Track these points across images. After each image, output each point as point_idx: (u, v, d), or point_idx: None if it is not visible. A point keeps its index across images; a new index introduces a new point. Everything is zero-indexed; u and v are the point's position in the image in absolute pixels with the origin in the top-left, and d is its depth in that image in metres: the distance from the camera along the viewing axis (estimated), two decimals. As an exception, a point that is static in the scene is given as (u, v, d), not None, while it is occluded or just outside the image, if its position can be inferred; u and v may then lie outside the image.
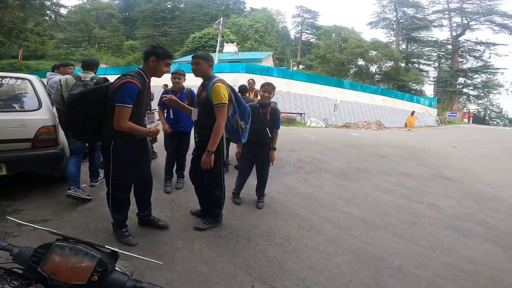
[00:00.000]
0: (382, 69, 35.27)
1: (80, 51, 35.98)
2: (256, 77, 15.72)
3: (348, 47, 31.99)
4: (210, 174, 2.73)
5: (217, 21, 22.36)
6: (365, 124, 17.09)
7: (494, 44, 37.05)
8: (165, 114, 3.83)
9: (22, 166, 3.06)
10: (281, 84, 17.30)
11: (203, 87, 2.72)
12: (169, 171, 3.94)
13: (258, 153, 3.53)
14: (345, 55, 32.23)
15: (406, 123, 20.75)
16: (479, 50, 38.45)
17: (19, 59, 28.06)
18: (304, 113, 17.01)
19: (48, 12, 18.72)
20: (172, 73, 3.63)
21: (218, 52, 21.31)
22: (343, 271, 2.55)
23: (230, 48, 28.91)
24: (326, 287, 2.32)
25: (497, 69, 37.05)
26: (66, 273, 0.71)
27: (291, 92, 17.89)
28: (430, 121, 26.83)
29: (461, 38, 39.20)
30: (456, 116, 33.10)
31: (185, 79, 3.80)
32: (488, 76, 38.29)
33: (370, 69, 35.86)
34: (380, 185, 5.08)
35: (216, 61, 20.14)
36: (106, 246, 0.78)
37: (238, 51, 29.40)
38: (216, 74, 2.72)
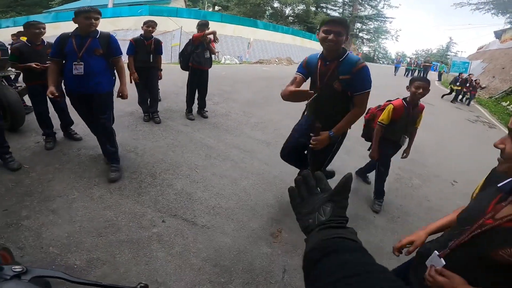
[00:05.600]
0: (295, 11, 36.46)
1: None
2: (164, 19, 14.57)
3: (264, -12, 31.23)
4: None
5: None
6: (276, 60, 18.44)
7: None
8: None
9: None
10: (191, 25, 15.99)
11: None
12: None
13: (149, 75, 4.08)
14: (261, -4, 31.58)
15: None
16: (376, 0, 43.05)
17: None
18: (218, 52, 16.68)
19: None
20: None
21: (114, -6, 17.53)
22: (249, 194, 2.77)
23: (131, -10, 23.88)
24: (236, 211, 2.50)
25: (387, 18, 43.80)
26: None
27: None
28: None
29: (363, -13, 42.53)
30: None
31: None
32: (379, 24, 45.13)
33: (284, 11, 36.58)
34: (282, 110, 5.46)
35: (110, 5, 16.99)
36: None
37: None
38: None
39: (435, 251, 0.95)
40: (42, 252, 1.90)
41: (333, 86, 1.98)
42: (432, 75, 17.96)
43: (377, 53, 55.77)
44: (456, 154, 5.12)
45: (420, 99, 2.68)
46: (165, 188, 2.68)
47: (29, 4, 30.08)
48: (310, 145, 2.06)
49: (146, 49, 4.00)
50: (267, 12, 36.36)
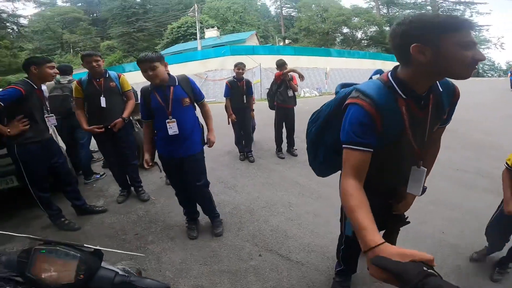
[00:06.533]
0: (368, 34, 35.25)
1: (56, 58, 35.13)
2: (243, 58, 15.38)
3: (330, 16, 31.68)
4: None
5: (191, 8, 21.83)
6: (358, 87, 17.91)
7: (473, 3, 37.86)
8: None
9: None
10: (268, 61, 17.09)
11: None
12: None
13: (243, 116, 4.36)
14: (328, 25, 31.99)
15: None
16: (460, 10, 39.07)
17: (-5, 75, 27.46)
18: (297, 85, 17.19)
19: (8, 24, 18.51)
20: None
21: (200, 39, 20.94)
22: (344, 233, 2.66)
23: (212, 33, 28.47)
24: (331, 250, 2.41)
25: (481, 26, 38.69)
26: (53, 275, 0.73)
27: (279, 67, 18.14)
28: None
29: (438, -1, 39.34)
30: (449, 71, 34.44)
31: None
32: (474, 33, 39.35)
33: (356, 36, 35.91)
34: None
35: (199, 48, 19.92)
36: (85, 245, 0.80)
37: (220, 35, 28.92)
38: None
39: None
40: (159, 275, 2.18)
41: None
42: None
43: (481, 65, 47.89)
44: None
45: None
46: (261, 224, 2.81)
47: (141, 49, 36.75)
48: (394, 212, 1.52)
49: (240, 90, 4.29)
50: (337, 39, 35.83)
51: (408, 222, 1.55)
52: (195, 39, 23.03)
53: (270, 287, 2.05)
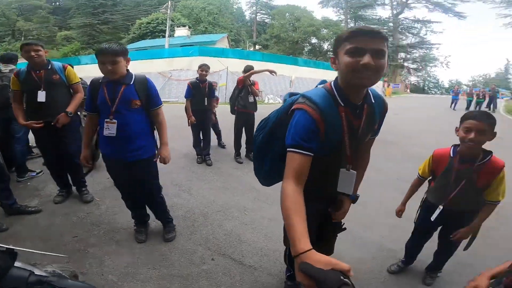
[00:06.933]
0: None
1: (3, 46, 32.26)
2: (211, 60, 15.20)
3: (301, 26, 33.00)
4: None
5: (164, 5, 21.27)
6: (320, 97, 18.71)
7: (429, 22, 41.34)
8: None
9: None
10: (236, 65, 16.97)
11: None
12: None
13: (203, 118, 4.37)
14: (299, 34, 33.29)
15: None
16: (417, 28, 42.74)
17: None
18: (262, 91, 17.33)
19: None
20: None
21: (168, 37, 20.40)
22: (297, 237, 2.71)
23: (182, 32, 27.86)
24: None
25: (433, 44, 42.25)
26: None
27: (246, 72, 18.19)
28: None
29: (401, 16, 42.95)
30: (399, 87, 37.16)
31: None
32: (425, 51, 43.56)
33: (323, 47, 37.53)
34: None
35: (166, 46, 19.35)
36: None
37: (191, 34, 28.41)
38: None
39: None
40: (102, 279, 2.06)
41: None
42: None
43: (427, 82, 52.22)
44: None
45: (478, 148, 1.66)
46: (215, 228, 2.77)
47: (102, 42, 35.54)
48: (333, 220, 1.54)
49: (202, 92, 4.23)
50: (305, 48, 37.55)
51: (345, 229, 1.61)
52: (164, 36, 22.37)
53: (223, 291, 2.01)
